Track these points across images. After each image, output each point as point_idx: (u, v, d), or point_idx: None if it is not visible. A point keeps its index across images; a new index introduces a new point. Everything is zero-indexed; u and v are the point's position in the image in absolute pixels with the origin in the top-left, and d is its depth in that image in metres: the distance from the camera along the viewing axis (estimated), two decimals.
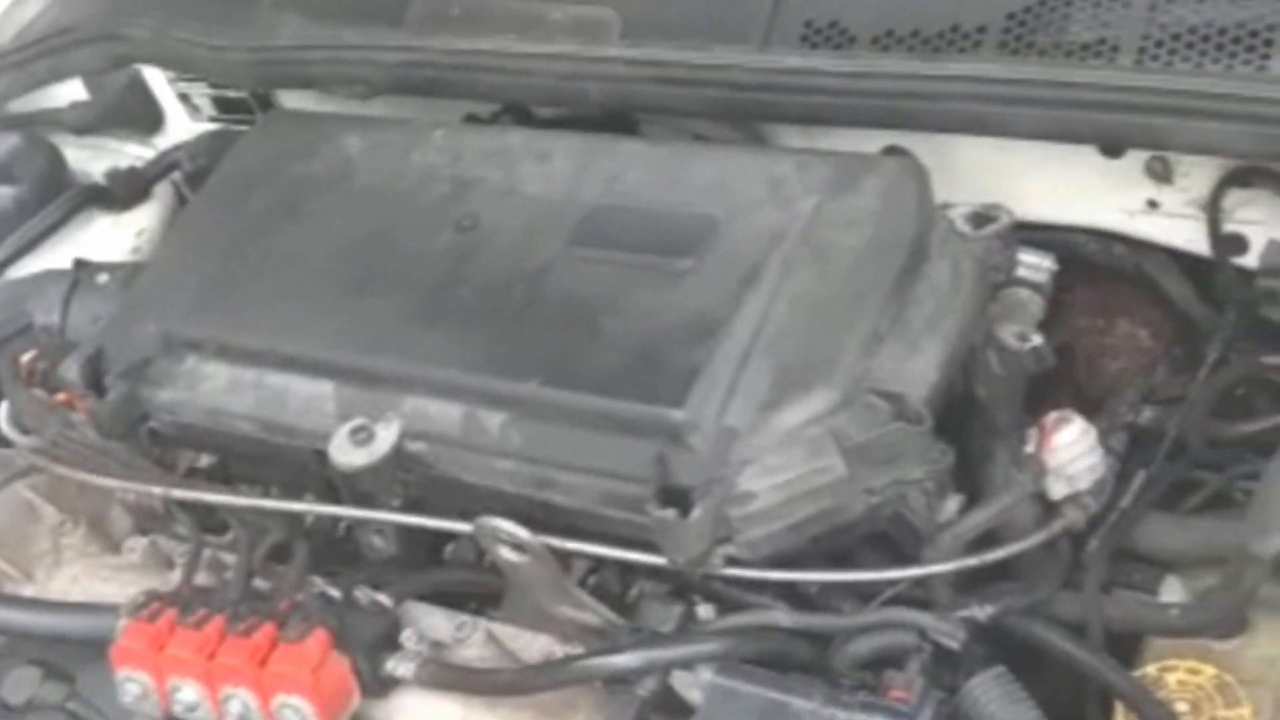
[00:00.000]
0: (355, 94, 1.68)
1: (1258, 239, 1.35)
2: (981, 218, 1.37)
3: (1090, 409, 1.48)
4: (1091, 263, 1.49)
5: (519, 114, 1.61)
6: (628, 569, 1.31)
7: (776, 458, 1.18)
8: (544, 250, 1.35)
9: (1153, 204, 1.39)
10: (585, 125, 1.55)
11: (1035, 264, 1.44)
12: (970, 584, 1.27)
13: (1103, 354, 1.59)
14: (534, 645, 1.30)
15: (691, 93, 1.45)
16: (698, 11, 1.50)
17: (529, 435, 1.26)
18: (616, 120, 1.56)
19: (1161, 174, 1.36)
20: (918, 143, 1.45)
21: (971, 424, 1.34)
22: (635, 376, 1.23)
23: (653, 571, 1.25)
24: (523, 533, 1.23)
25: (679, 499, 1.17)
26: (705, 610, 1.30)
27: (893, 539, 1.26)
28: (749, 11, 1.47)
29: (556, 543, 1.24)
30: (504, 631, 1.32)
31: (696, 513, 1.15)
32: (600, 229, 1.35)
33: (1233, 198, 1.34)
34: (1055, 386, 1.51)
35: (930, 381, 1.23)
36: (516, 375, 1.27)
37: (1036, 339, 1.42)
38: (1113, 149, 1.35)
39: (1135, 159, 1.36)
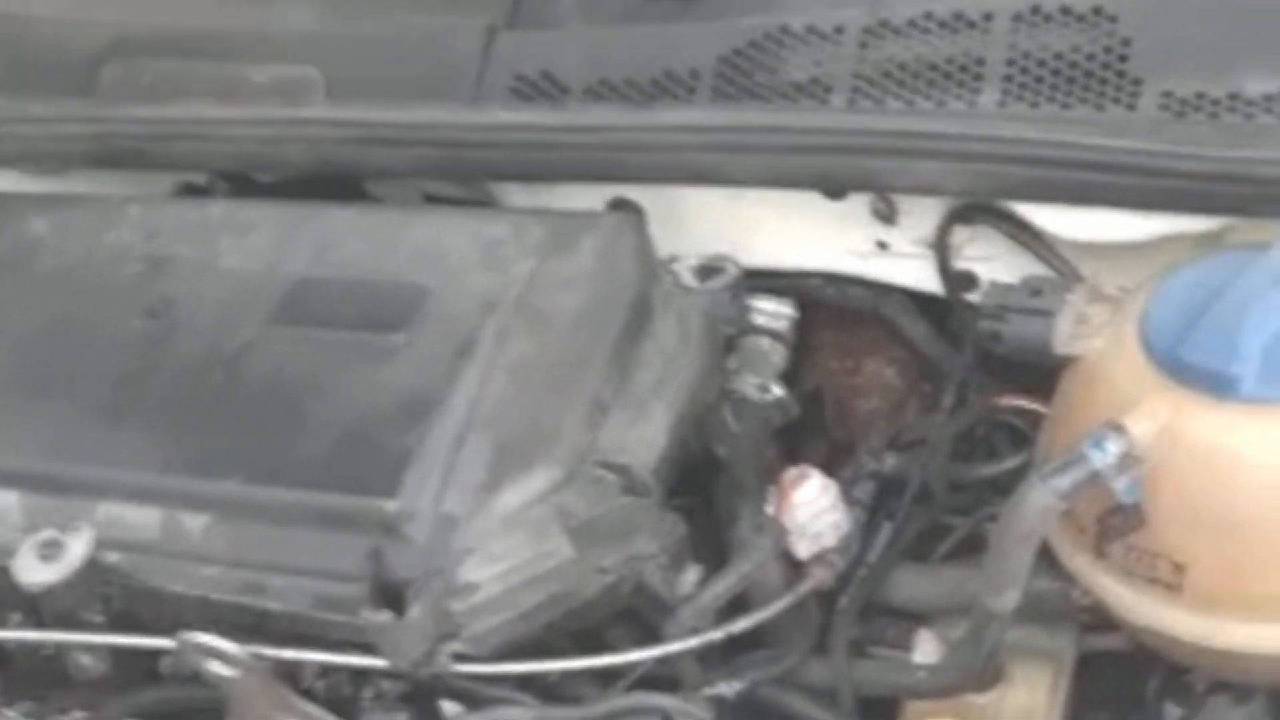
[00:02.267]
0: (46, 170, 1.56)
1: (986, 275, 1.32)
2: (708, 270, 1.32)
3: (845, 455, 1.45)
4: (831, 306, 1.45)
5: (236, 181, 1.50)
6: (360, 671, 1.21)
7: (499, 543, 1.10)
8: (243, 331, 1.25)
9: (882, 245, 1.35)
10: (305, 189, 1.45)
11: (774, 311, 1.39)
12: (726, 655, 1.21)
13: (853, 395, 1.55)
14: None
15: (400, 152, 1.37)
16: (405, 67, 1.42)
17: (233, 537, 1.16)
18: (341, 184, 1.47)
19: (886, 214, 1.32)
20: (644, 194, 1.39)
21: (717, 485, 1.29)
22: (344, 466, 1.14)
23: (387, 671, 1.16)
24: (228, 646, 1.12)
25: (395, 598, 1.08)
26: (452, 708, 1.21)
27: (643, 616, 1.20)
28: (457, 65, 1.39)
29: (269, 651, 1.14)
30: None
31: (413, 612, 1.06)
32: (304, 305, 1.25)
33: (959, 235, 1.30)
34: (808, 435, 1.48)
35: (659, 448, 1.16)
36: (216, 473, 1.17)
37: (777, 389, 1.38)
38: (835, 191, 1.31)
39: (860, 201, 1.32)
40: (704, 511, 1.27)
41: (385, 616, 1.06)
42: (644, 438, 1.15)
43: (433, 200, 1.49)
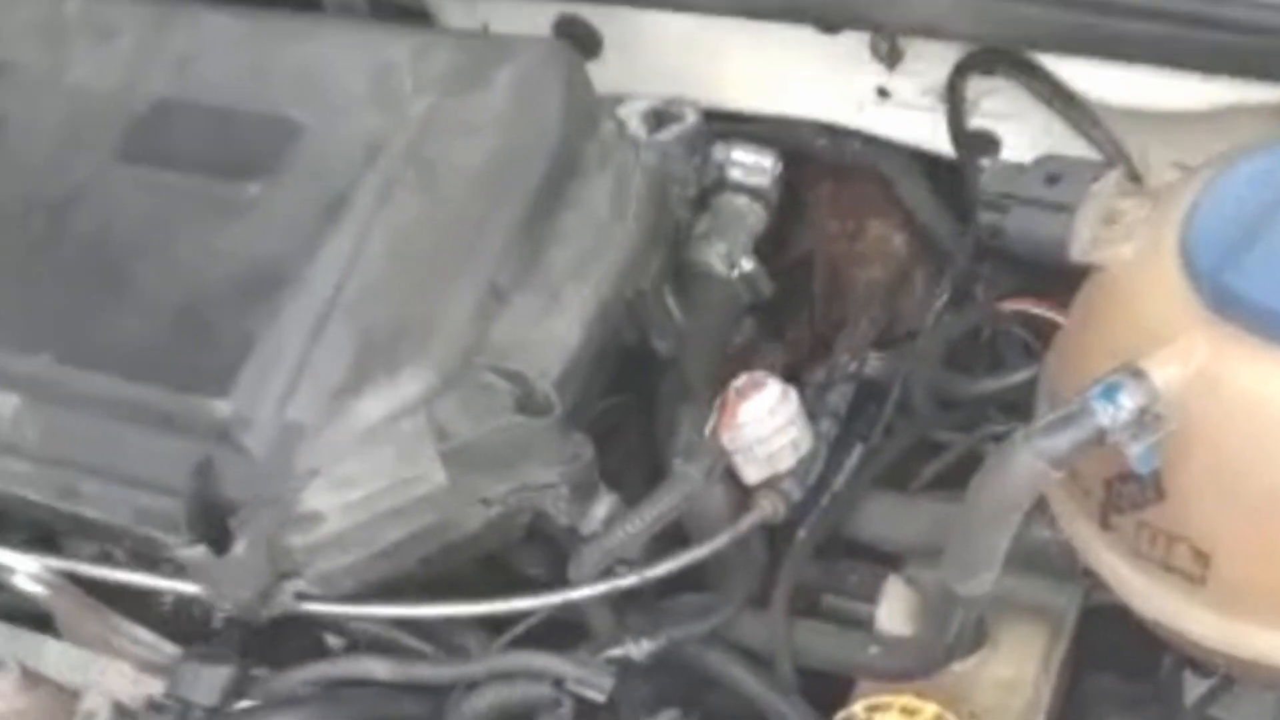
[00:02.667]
0: None
1: (1012, 138, 1.06)
2: (661, 115, 1.06)
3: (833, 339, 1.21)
4: (821, 161, 1.20)
5: None
6: None
7: (355, 463, 0.87)
8: (79, 167, 1.01)
9: (883, 92, 1.09)
10: None
11: (753, 164, 1.13)
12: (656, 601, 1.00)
13: (851, 263, 1.30)
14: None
15: None
16: None
17: (45, 426, 0.94)
18: None
19: (888, 56, 1.05)
20: (600, 15, 1.13)
21: (660, 386, 1.05)
22: (172, 351, 0.91)
23: None
24: (29, 563, 0.92)
25: (221, 524, 0.87)
26: (334, 641, 1.01)
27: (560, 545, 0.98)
28: None
29: (78, 567, 0.94)
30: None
31: (239, 548, 0.85)
32: (153, 138, 1.01)
33: (975, 86, 1.04)
34: (791, 313, 1.24)
35: (570, 348, 0.92)
36: (28, 346, 0.95)
37: (746, 262, 1.13)
38: (829, 24, 1.04)
39: (858, 39, 1.05)
40: (643, 415, 1.05)
41: (200, 552, 0.85)
42: (552, 335, 0.92)
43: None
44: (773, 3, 1.00)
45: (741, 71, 1.12)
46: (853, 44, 1.06)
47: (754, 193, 1.15)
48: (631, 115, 1.05)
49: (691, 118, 1.05)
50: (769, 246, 1.15)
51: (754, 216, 1.16)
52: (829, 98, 1.11)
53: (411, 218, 0.93)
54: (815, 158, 1.19)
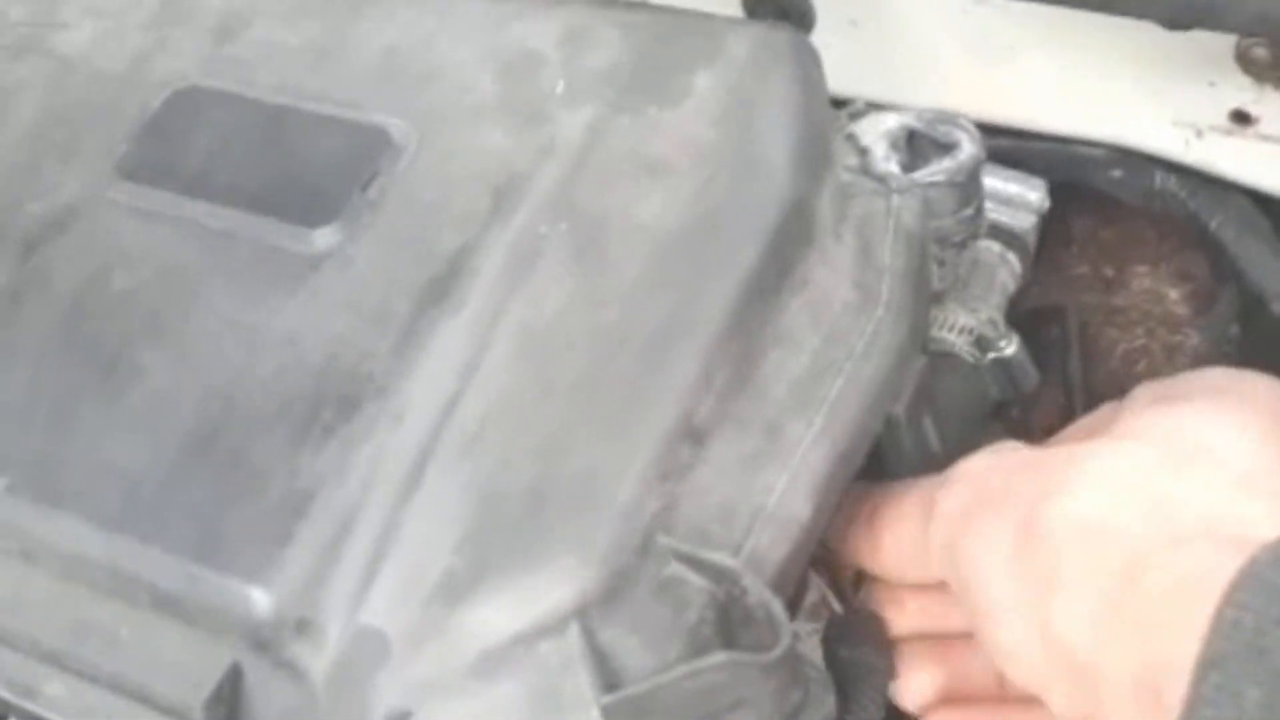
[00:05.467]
0: None
1: None
2: (922, 140, 0.72)
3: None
4: (1106, 198, 0.86)
5: None
6: None
7: (463, 707, 0.56)
8: (67, 182, 0.68)
9: (1242, 117, 0.75)
10: None
11: (1016, 197, 0.81)
12: None
13: (1105, 321, 0.98)
14: None
15: None
16: None
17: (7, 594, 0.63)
18: None
19: (1267, 66, 0.71)
20: None
21: None
22: (186, 496, 0.59)
23: None
24: None
25: None
26: None
27: None
28: None
29: None
30: None
31: None
32: (172, 146, 0.67)
33: None
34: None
35: (798, 522, 0.59)
36: None
37: (1007, 344, 0.80)
38: (1177, 16, 0.70)
39: (1217, 41, 0.71)
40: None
41: None
42: (770, 500, 0.59)
43: None
44: None
45: (1021, 74, 0.78)
46: (1207, 45, 0.71)
47: (1010, 238, 0.82)
48: (878, 139, 0.71)
49: (968, 146, 0.71)
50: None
51: (1007, 271, 0.82)
52: (1150, 118, 0.77)
53: (562, 304, 0.60)
54: (1097, 193, 0.86)
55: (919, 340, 0.67)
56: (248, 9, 0.72)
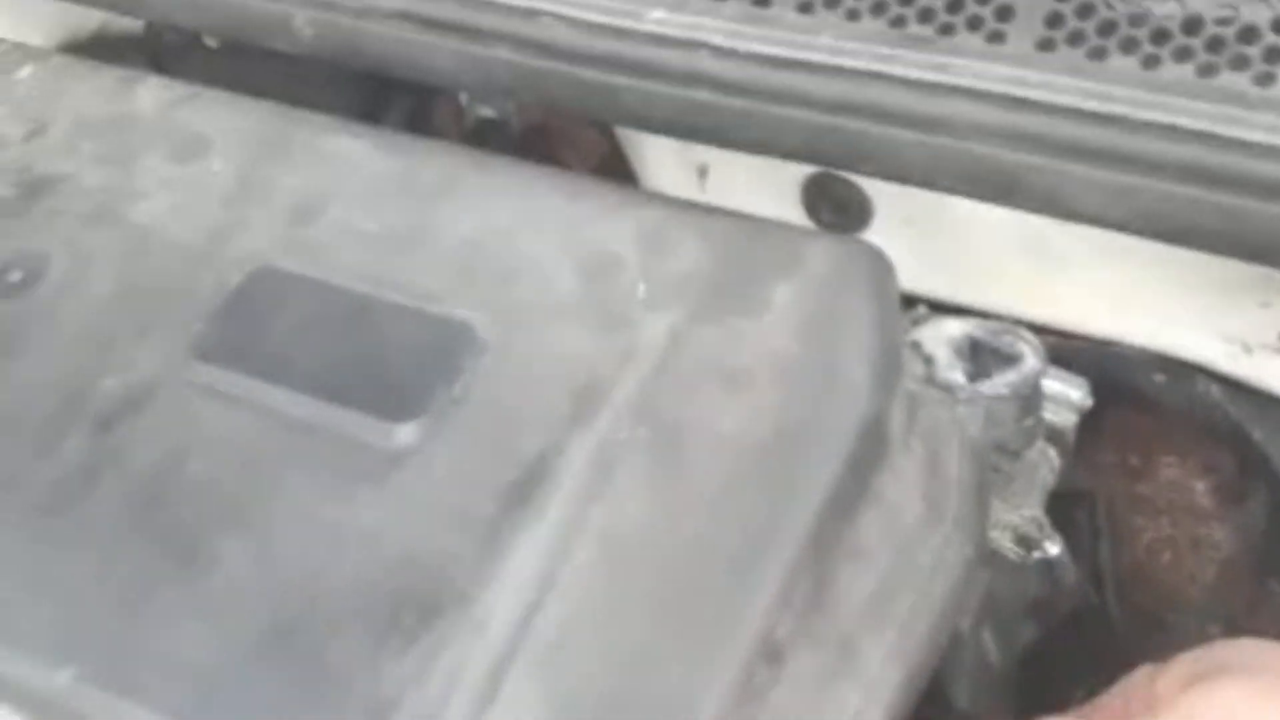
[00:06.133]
0: None
1: None
2: (985, 349, 0.74)
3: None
4: (1146, 400, 0.87)
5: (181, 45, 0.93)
6: None
7: None
8: (143, 359, 0.69)
9: None
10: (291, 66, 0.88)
11: (1059, 395, 0.82)
12: None
13: (1130, 510, 0.99)
14: None
15: (473, 53, 0.78)
16: None
17: None
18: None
19: None
20: (875, 187, 0.81)
21: None
22: (259, 693, 0.59)
23: None
24: None
25: None
26: None
27: None
28: None
29: None
30: None
31: None
32: (250, 330, 0.69)
33: None
34: None
35: None
36: (42, 650, 0.62)
37: (1051, 544, 0.81)
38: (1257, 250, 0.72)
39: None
40: None
41: None
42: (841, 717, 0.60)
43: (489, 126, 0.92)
44: (1177, 223, 0.67)
45: (1073, 282, 0.80)
46: (1257, 271, 0.73)
47: (1052, 434, 0.83)
48: (942, 346, 0.73)
49: (1030, 359, 0.73)
50: None
51: (1048, 468, 0.84)
52: (1199, 331, 0.79)
53: (643, 514, 0.60)
54: (1137, 395, 0.88)
55: (984, 554, 0.68)
56: (326, 190, 0.73)
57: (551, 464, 0.61)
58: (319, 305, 0.69)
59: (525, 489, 0.61)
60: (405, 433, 0.63)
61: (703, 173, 0.88)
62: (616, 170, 0.95)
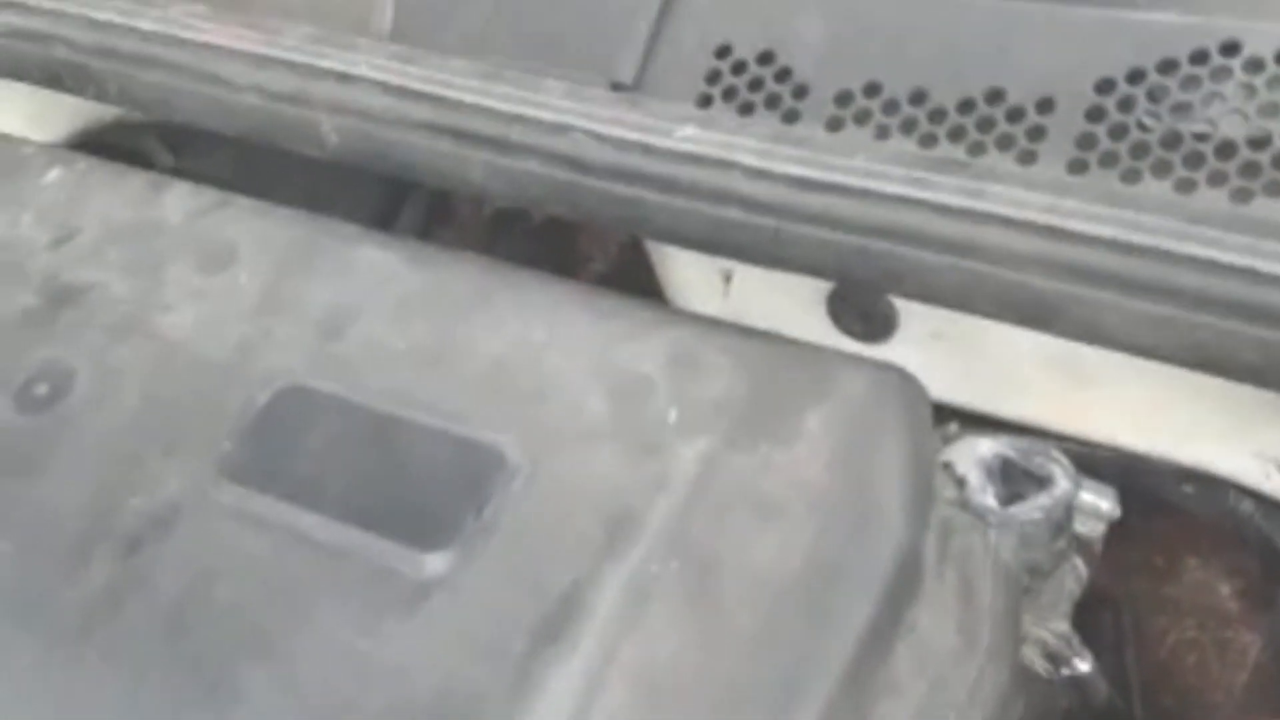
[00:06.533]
0: None
1: None
2: (1016, 471, 0.73)
3: None
4: (1176, 510, 0.87)
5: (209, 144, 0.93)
6: None
7: None
8: (170, 478, 0.69)
9: None
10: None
11: (1089, 506, 0.82)
12: None
13: (1155, 610, 0.98)
14: None
15: (498, 163, 0.78)
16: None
17: None
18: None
19: None
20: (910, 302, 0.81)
21: None
22: None
23: None
24: None
25: None
26: None
27: None
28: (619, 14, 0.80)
29: None
30: None
31: None
32: (278, 449, 0.68)
33: None
34: None
35: None
36: None
37: (1083, 661, 0.81)
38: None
39: None
40: None
41: None
42: None
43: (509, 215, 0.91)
44: (1214, 355, 0.66)
45: (1103, 397, 0.80)
46: None
47: (1079, 544, 0.83)
48: (973, 467, 0.72)
49: (1063, 482, 0.72)
50: None
51: (1074, 578, 0.83)
52: (1232, 448, 0.78)
53: (676, 649, 0.60)
54: (1166, 505, 0.87)
55: (1018, 683, 0.67)
56: (354, 304, 0.73)
57: (583, 597, 0.61)
58: (347, 425, 0.68)
59: (557, 623, 0.60)
60: (435, 562, 0.63)
61: (727, 277, 0.87)
62: (636, 262, 0.95)
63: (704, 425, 0.65)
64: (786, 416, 0.65)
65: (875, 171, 0.69)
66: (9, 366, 0.74)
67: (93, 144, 1.07)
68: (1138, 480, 0.85)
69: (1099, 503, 0.82)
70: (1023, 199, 0.67)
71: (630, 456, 0.65)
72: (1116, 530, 0.92)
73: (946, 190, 0.68)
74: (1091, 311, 0.65)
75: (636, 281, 0.93)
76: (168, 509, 0.67)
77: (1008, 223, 0.66)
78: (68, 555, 0.66)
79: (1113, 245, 0.64)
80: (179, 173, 1.06)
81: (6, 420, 0.72)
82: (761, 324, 0.82)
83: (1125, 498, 0.84)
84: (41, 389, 0.73)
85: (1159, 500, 0.86)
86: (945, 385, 0.81)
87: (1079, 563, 0.83)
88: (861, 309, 0.83)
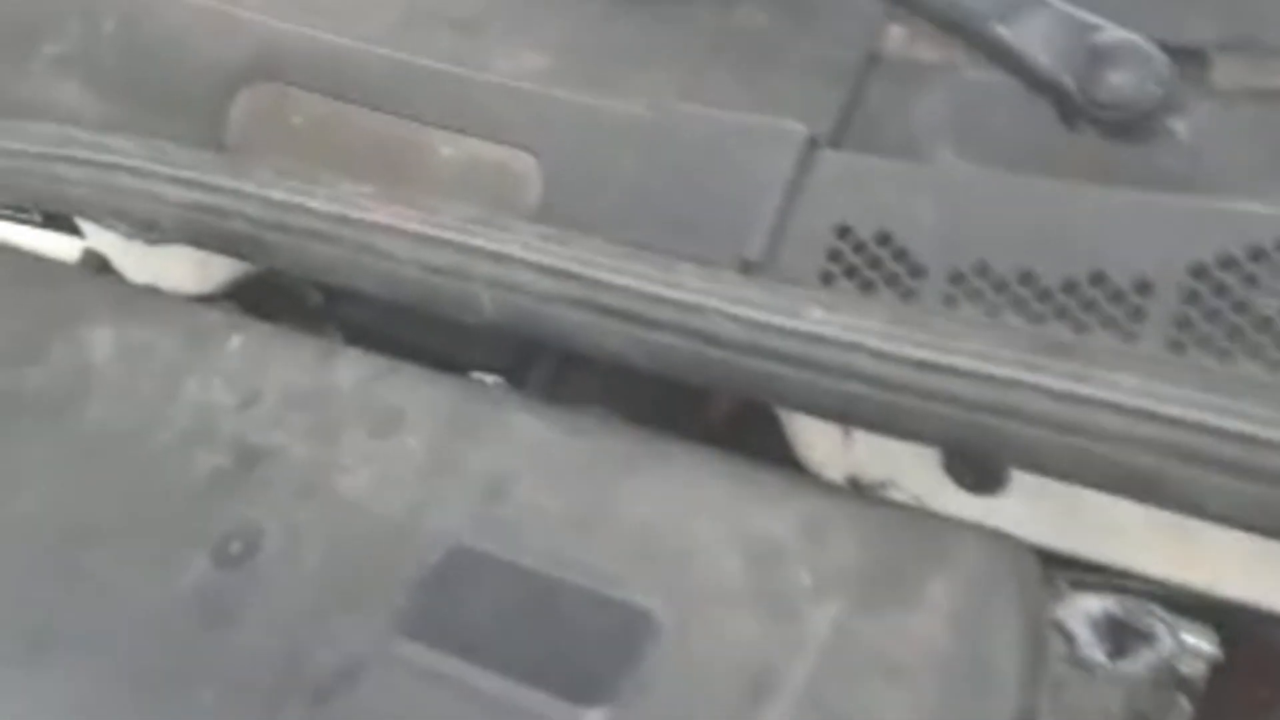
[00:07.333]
0: (139, 235, 1.10)
1: None
2: (1121, 627, 0.79)
3: None
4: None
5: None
6: None
7: None
8: (352, 632, 0.77)
9: None
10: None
11: (1192, 648, 0.87)
12: None
13: None
14: None
15: (631, 334, 0.86)
16: (663, 175, 0.91)
17: None
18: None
19: None
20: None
21: None
22: None
23: None
24: None
25: None
26: None
27: None
28: (744, 198, 0.88)
29: None
30: None
31: None
32: (449, 607, 0.76)
33: None
34: None
35: None
36: None
37: None
38: None
39: None
40: None
41: None
42: None
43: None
44: None
45: (1206, 545, 0.85)
46: None
47: (1183, 683, 0.88)
48: (1082, 624, 0.78)
49: (1166, 639, 0.78)
50: None
51: (1178, 716, 0.88)
52: None
53: None
54: (1268, 645, 0.92)
55: None
56: (513, 469, 0.81)
57: None
58: (511, 588, 0.76)
59: None
60: (593, 717, 0.70)
61: (846, 429, 0.94)
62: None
63: (835, 590, 0.72)
64: (909, 583, 0.72)
65: (988, 354, 0.76)
66: (207, 524, 0.83)
67: (251, 283, 1.17)
68: (1241, 623, 0.90)
69: (1202, 645, 0.87)
70: (1124, 384, 0.73)
71: (768, 619, 0.72)
72: (1219, 665, 0.98)
73: (1053, 374, 0.74)
74: (1192, 489, 0.71)
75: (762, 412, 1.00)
76: (353, 662, 0.75)
77: (1108, 406, 0.72)
78: (263, 705, 0.74)
79: (1208, 430, 0.70)
80: (328, 313, 1.16)
81: (207, 576, 0.80)
82: (879, 471, 0.89)
83: (1230, 637, 0.90)
84: (236, 546, 0.82)
85: (1263, 642, 0.91)
86: (1051, 534, 0.87)
87: (1183, 700, 0.88)
88: (975, 464, 0.89)
